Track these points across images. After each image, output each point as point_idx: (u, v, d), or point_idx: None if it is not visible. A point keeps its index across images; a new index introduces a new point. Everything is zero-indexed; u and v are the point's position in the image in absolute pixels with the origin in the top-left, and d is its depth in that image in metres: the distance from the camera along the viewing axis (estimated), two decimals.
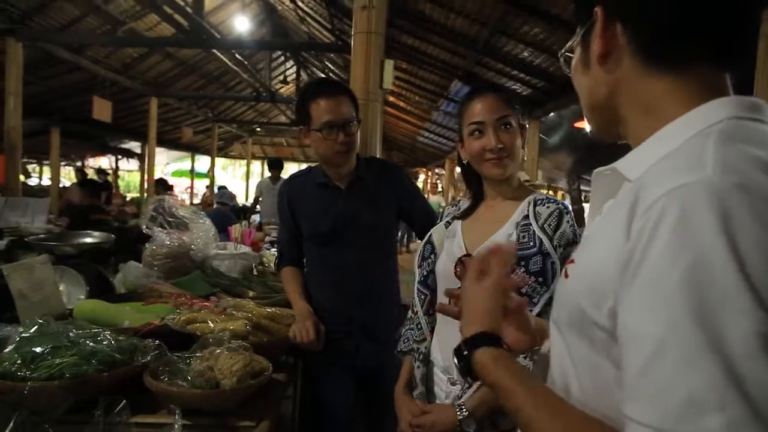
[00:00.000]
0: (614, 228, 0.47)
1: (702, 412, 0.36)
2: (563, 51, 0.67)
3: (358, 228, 1.58)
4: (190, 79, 9.87)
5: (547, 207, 1.12)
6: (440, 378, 1.20)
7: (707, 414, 0.36)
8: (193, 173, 15.08)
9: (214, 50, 6.40)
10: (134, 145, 12.81)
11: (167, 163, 16.22)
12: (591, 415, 0.50)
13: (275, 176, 5.95)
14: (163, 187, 5.76)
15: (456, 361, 0.62)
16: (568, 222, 1.10)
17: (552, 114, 6.03)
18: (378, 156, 2.42)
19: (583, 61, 0.61)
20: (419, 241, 1.38)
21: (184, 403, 1.03)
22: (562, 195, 9.76)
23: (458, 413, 1.06)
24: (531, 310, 1.04)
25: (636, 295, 0.42)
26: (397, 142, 14.92)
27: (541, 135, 6.22)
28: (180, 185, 15.92)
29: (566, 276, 0.56)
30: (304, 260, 1.75)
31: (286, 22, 10.22)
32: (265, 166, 18.86)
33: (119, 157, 14.07)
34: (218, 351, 1.20)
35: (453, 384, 1.16)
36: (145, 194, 10.23)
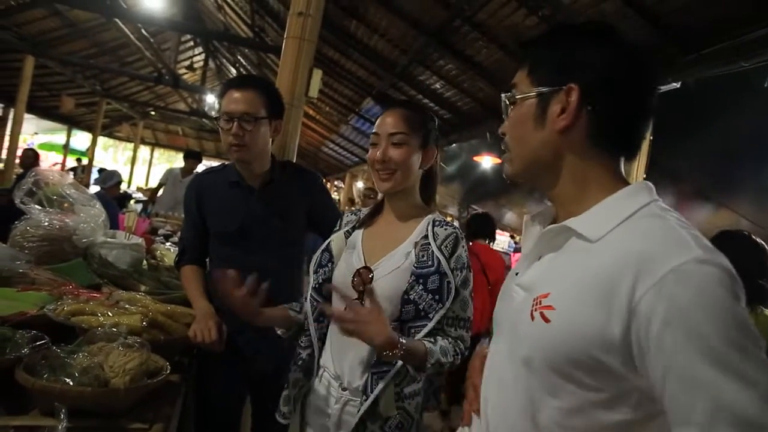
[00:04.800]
0: (606, 284, 0.57)
1: None
2: (509, 96, 0.73)
3: (267, 230, 1.55)
4: (80, 44, 8.82)
5: (445, 229, 1.18)
6: (332, 385, 1.18)
7: None
8: (67, 149, 13.37)
9: (116, 19, 5.83)
10: None
11: (35, 133, 14.17)
12: None
13: (188, 168, 5.21)
14: (33, 159, 5.01)
15: None
16: (462, 247, 1.18)
17: (454, 145, 6.44)
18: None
19: (536, 118, 0.68)
20: None
21: (68, 403, 0.93)
22: (452, 219, 10.42)
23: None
24: (426, 325, 1.10)
25: (681, 348, 0.51)
26: (301, 149, 14.74)
27: (441, 163, 6.62)
28: (47, 160, 13.99)
29: (546, 320, 0.62)
30: (207, 260, 1.68)
31: (201, 6, 9.68)
32: (155, 153, 17.50)
33: None
34: (108, 347, 1.11)
35: (344, 389, 1.15)
36: (2, 165, 8.87)
